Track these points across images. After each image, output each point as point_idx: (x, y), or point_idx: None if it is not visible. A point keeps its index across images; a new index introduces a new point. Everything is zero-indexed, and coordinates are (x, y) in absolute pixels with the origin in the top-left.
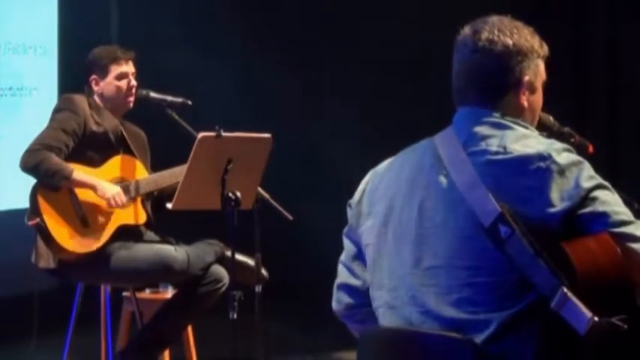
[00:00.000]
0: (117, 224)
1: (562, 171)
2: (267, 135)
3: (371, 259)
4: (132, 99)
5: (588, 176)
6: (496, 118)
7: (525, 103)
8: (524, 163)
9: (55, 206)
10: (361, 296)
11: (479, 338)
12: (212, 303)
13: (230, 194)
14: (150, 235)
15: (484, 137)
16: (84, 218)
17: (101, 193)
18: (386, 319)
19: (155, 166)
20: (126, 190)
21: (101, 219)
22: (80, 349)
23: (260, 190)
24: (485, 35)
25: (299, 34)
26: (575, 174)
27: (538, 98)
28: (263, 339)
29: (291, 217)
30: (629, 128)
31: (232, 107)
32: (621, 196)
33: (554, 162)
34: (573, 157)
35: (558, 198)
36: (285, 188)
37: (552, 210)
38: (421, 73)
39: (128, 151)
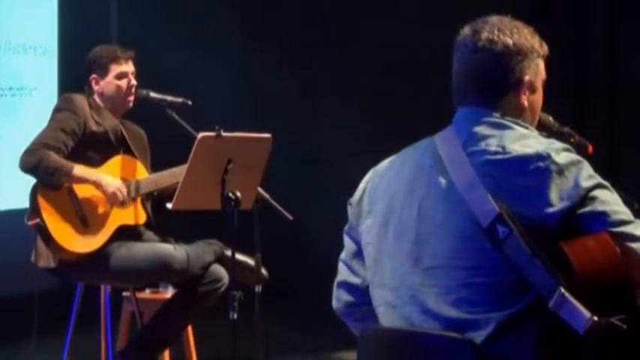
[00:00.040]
0: (117, 224)
1: (561, 171)
2: (267, 135)
3: (371, 258)
4: (132, 98)
5: (587, 176)
6: (496, 118)
7: (526, 103)
8: (523, 163)
9: (54, 206)
10: (361, 294)
11: (478, 338)
12: (212, 303)
13: (230, 194)
14: (149, 235)
15: (483, 137)
16: (84, 218)
17: (105, 189)
18: (387, 318)
19: (155, 166)
20: (126, 191)
21: (101, 219)
22: (80, 349)
23: (260, 190)
24: (485, 35)
25: (299, 34)
26: (574, 173)
27: (538, 98)
28: (263, 339)
29: (291, 217)
30: (628, 128)
31: (232, 107)
32: (621, 196)
33: (553, 162)
34: (572, 156)
35: (557, 198)
36: (285, 188)
37: (551, 210)
38: (421, 73)
39: (128, 151)
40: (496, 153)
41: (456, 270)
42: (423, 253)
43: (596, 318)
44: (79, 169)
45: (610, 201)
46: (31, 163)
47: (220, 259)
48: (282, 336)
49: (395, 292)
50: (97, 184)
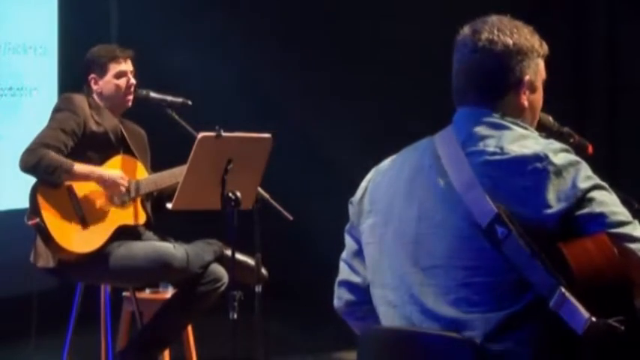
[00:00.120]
0: (116, 224)
1: (559, 171)
2: (267, 135)
3: (372, 258)
4: (131, 97)
5: (585, 177)
6: (495, 118)
7: (526, 103)
8: (521, 163)
9: (54, 206)
10: (362, 293)
11: (478, 338)
12: (212, 302)
13: (230, 194)
14: (149, 234)
15: (482, 137)
16: (83, 218)
17: (107, 182)
18: (387, 317)
19: (155, 166)
20: (126, 190)
21: (101, 219)
22: (80, 349)
23: (260, 190)
24: (485, 35)
25: (299, 34)
26: (572, 174)
27: (538, 97)
28: (263, 339)
29: (291, 217)
30: (628, 127)
31: (232, 107)
32: (620, 196)
33: (551, 162)
34: (570, 157)
35: (555, 199)
36: (285, 188)
37: (549, 211)
38: (421, 73)
39: (128, 151)
40: (494, 153)
41: (455, 270)
42: (422, 253)
43: (594, 319)
44: (79, 167)
45: (608, 202)
46: (31, 162)
47: (220, 259)
48: (282, 336)
49: (395, 291)
50: (99, 179)
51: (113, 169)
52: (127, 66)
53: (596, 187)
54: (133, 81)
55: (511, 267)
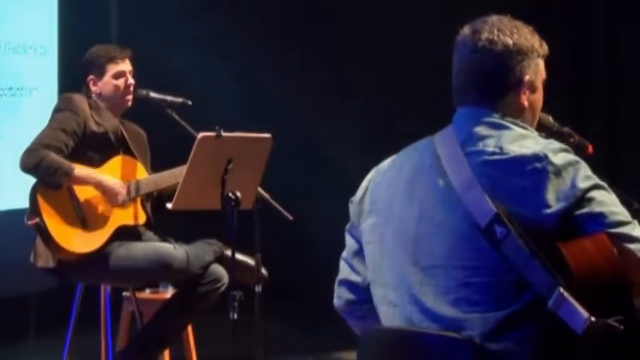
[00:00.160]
0: (116, 225)
1: (558, 171)
2: (267, 135)
3: (372, 257)
4: (130, 97)
5: (585, 176)
6: (495, 118)
7: (526, 103)
8: (520, 163)
9: (54, 206)
10: (362, 292)
11: (477, 338)
12: (212, 303)
13: (230, 194)
14: (149, 235)
15: (482, 137)
16: (83, 218)
17: (105, 189)
18: (388, 317)
19: (155, 166)
20: (126, 190)
21: (101, 219)
22: (80, 349)
23: (260, 190)
24: (485, 35)
25: (299, 34)
26: (571, 174)
27: (538, 97)
28: (263, 339)
29: (291, 217)
30: (628, 127)
31: (232, 107)
32: (621, 195)
33: (550, 162)
34: (570, 157)
35: (554, 198)
36: (285, 188)
37: (548, 211)
38: (421, 73)
39: (128, 151)
40: (493, 153)
41: (454, 270)
42: (422, 252)
43: (593, 319)
44: (79, 170)
45: (607, 202)
46: (31, 163)
47: (220, 259)
48: (282, 336)
49: (396, 291)
50: (98, 185)
51: (113, 169)
52: (126, 66)
53: (595, 186)
54: (131, 81)
55: (510, 267)
